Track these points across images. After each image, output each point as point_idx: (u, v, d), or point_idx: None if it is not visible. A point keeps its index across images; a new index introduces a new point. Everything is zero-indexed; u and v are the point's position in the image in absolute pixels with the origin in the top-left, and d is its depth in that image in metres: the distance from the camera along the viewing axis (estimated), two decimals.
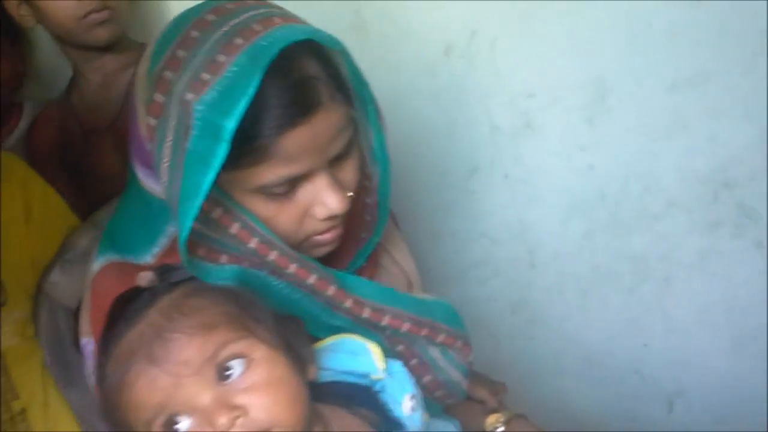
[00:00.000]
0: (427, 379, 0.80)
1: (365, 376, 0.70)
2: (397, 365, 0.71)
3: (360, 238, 0.81)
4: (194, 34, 0.67)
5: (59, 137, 1.12)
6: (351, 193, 0.73)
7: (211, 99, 0.63)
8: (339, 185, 0.71)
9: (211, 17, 0.67)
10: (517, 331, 1.41)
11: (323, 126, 0.67)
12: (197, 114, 0.63)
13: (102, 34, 1.05)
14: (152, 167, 0.70)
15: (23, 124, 1.14)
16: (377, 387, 0.70)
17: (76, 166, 1.12)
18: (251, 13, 0.68)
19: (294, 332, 0.68)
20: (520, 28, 1.17)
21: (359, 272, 0.81)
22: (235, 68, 0.63)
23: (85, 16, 1.02)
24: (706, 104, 1.21)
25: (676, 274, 1.34)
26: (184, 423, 0.60)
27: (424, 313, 0.80)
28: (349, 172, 0.73)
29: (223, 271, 0.69)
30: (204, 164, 0.63)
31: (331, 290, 0.73)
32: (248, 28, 0.66)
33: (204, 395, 0.59)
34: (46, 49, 1.19)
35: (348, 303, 0.74)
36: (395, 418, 0.68)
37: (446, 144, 1.26)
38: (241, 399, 0.60)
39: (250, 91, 0.62)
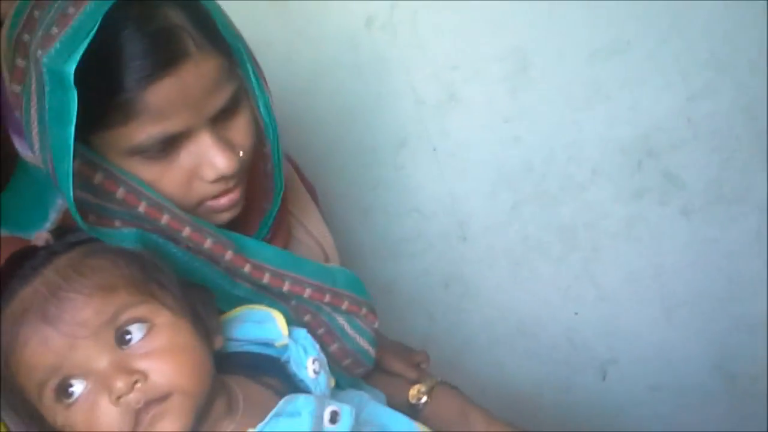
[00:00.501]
0: (334, 347, 0.79)
1: (270, 344, 0.69)
2: (302, 332, 0.70)
3: (263, 209, 0.79)
4: None
5: None
6: (242, 153, 0.70)
7: (55, 50, 0.60)
8: (226, 144, 0.68)
9: None
10: (450, 305, 1.41)
11: (193, 78, 0.64)
12: (45, 68, 0.61)
13: None
14: (24, 137, 0.67)
15: None
16: (283, 357, 0.69)
17: None
18: None
19: (202, 301, 0.66)
20: (440, 0, 1.17)
21: (271, 242, 0.79)
22: (81, 16, 0.60)
23: None
24: (626, 73, 1.22)
25: (604, 242, 1.35)
26: (78, 386, 0.58)
27: (326, 279, 0.78)
28: (237, 131, 0.70)
29: (121, 234, 0.67)
30: (62, 119, 0.60)
31: (228, 255, 0.71)
32: None
33: (101, 358, 0.58)
34: None
35: (246, 268, 0.72)
36: (301, 384, 0.68)
37: (372, 118, 1.25)
38: (140, 364, 0.58)
39: (90, 32, 0.59)
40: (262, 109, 0.73)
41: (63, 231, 0.64)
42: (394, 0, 1.16)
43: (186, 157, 0.67)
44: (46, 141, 0.64)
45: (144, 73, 0.62)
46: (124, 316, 0.59)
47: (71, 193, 0.63)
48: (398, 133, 1.26)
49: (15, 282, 0.59)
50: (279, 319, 0.69)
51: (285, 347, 0.69)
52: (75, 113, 0.60)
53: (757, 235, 1.33)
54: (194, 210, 0.71)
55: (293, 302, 0.77)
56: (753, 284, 1.34)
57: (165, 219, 0.68)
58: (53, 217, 0.70)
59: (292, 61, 1.17)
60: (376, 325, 0.82)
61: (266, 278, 0.74)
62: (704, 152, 1.28)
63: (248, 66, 0.71)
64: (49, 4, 0.63)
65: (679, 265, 1.36)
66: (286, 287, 0.75)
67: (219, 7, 0.68)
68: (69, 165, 0.62)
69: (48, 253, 0.61)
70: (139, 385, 0.58)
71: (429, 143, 1.27)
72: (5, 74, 0.67)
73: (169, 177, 0.68)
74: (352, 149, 1.28)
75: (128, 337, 0.59)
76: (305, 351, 0.69)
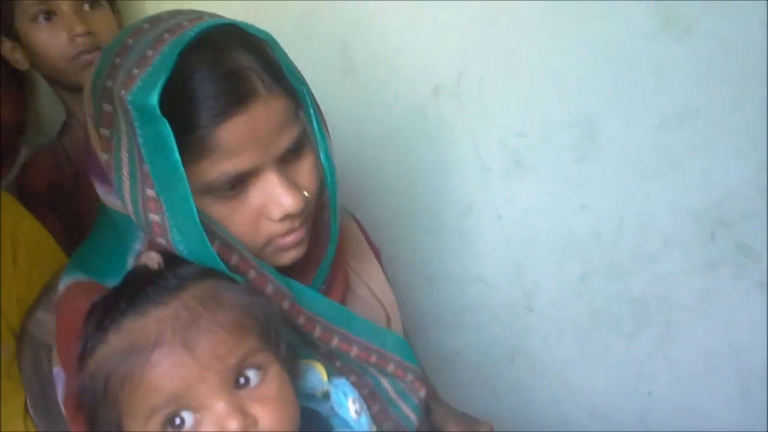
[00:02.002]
0: (375, 409, 0.78)
1: (312, 396, 0.69)
2: (341, 379, 0.71)
3: (319, 258, 0.80)
4: (129, 41, 0.69)
5: (51, 178, 1.13)
6: (307, 193, 0.72)
7: (137, 87, 0.63)
8: (292, 183, 0.70)
9: (146, 26, 0.70)
10: (516, 380, 1.38)
11: (262, 117, 0.67)
12: (130, 106, 0.63)
13: None
14: (111, 181, 0.69)
15: (17, 166, 1.17)
16: (325, 409, 0.70)
17: (68, 208, 1.13)
18: (183, 16, 0.70)
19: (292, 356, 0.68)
20: (506, 68, 1.18)
21: (327, 294, 0.80)
22: (159, 56, 0.64)
23: (77, 56, 1.05)
24: (697, 141, 1.20)
25: (677, 317, 1.31)
26: (188, 419, 0.59)
27: (375, 340, 0.78)
28: (302, 172, 0.72)
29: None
30: (162, 148, 0.63)
31: (285, 305, 0.72)
32: (177, 26, 0.67)
33: (220, 396, 0.59)
34: (45, 94, 1.23)
35: (300, 320, 0.73)
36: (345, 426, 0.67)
37: (438, 184, 1.26)
38: (253, 409, 0.60)
39: (168, 66, 0.62)
40: (322, 155, 0.75)
41: (172, 256, 0.65)
42: (461, 68, 1.18)
43: (254, 196, 0.69)
44: (142, 180, 0.66)
45: (216, 111, 0.65)
46: (250, 360, 0.61)
47: (195, 214, 0.64)
48: (463, 200, 1.26)
49: (146, 302, 0.60)
50: (319, 368, 0.70)
51: (327, 397, 0.69)
52: (173, 140, 0.63)
53: None
54: (262, 250, 0.72)
55: (338, 363, 0.77)
56: None
57: (234, 260, 0.69)
58: (131, 262, 0.72)
59: (362, 128, 1.20)
60: (422, 394, 0.81)
61: (317, 332, 0.74)
62: None
63: (311, 111, 0.74)
64: (129, 51, 0.67)
65: (755, 342, 1.31)
66: (334, 343, 0.75)
67: (285, 54, 0.72)
68: (185, 189, 0.64)
69: (180, 279, 0.62)
70: (251, 429, 0.59)
71: (494, 210, 1.26)
72: (90, 122, 0.70)
73: (238, 216, 0.70)
74: (417, 215, 1.28)
75: (243, 380, 0.61)
76: (345, 394, 0.69)
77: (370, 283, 0.89)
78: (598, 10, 1.16)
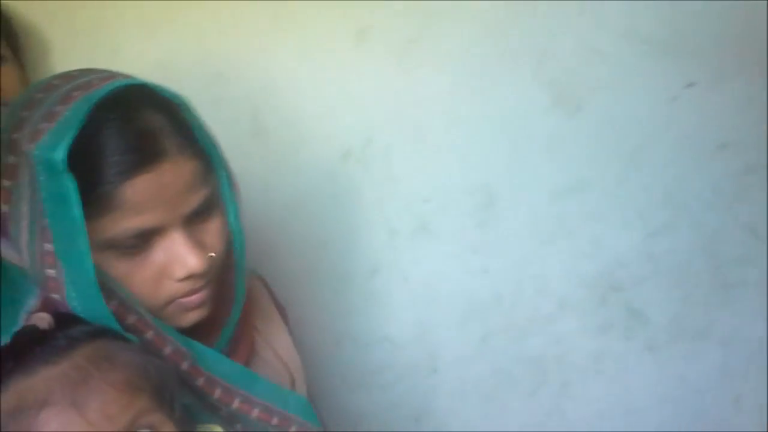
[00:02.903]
0: None
1: None
2: None
3: (224, 319, 0.80)
4: (39, 96, 0.69)
5: None
6: (213, 254, 0.72)
7: (44, 141, 0.64)
8: (197, 243, 0.70)
9: (57, 81, 0.70)
10: None
11: (170, 177, 0.67)
12: (35, 159, 0.64)
13: None
14: (8, 233, 0.69)
15: None
16: None
17: None
18: (95, 75, 0.70)
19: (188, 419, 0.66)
20: (412, 136, 1.23)
21: (231, 356, 0.79)
22: (68, 112, 0.65)
23: None
24: (588, 210, 1.28)
25: (573, 377, 1.36)
26: None
27: (278, 401, 0.78)
28: (209, 233, 0.72)
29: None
30: (64, 202, 0.63)
31: (184, 365, 0.71)
32: (88, 84, 0.68)
33: None
34: None
35: (200, 381, 0.72)
36: None
37: (346, 247, 1.28)
38: None
39: (78, 123, 0.63)
40: (231, 217, 0.76)
41: (63, 316, 0.64)
42: (369, 135, 1.23)
43: (158, 254, 0.69)
44: (38, 233, 0.65)
45: (123, 168, 0.65)
46: (142, 420, 0.59)
47: (92, 272, 0.64)
48: (371, 262, 1.29)
49: (34, 361, 0.59)
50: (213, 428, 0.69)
51: None
52: (77, 196, 0.63)
53: (721, 373, 1.36)
54: (163, 309, 0.72)
55: (239, 426, 0.76)
56: (720, 422, 1.36)
57: (131, 319, 0.69)
58: (23, 318, 0.69)
59: (271, 190, 1.23)
60: None
61: (217, 394, 0.74)
62: (666, 288, 1.32)
63: (223, 173, 0.75)
64: (37, 106, 0.68)
65: (647, 402, 1.38)
66: (235, 405, 0.75)
67: (197, 116, 0.73)
68: (84, 245, 0.63)
69: (70, 339, 0.61)
70: None
71: (401, 272, 1.30)
72: None
73: (140, 273, 0.69)
74: (325, 276, 1.31)
75: None
76: None
77: (276, 345, 0.89)
78: (497, 87, 1.24)
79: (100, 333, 0.63)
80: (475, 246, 1.29)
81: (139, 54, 1.10)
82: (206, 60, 1.14)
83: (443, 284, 1.31)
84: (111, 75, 0.71)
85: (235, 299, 0.79)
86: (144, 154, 0.66)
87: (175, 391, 0.64)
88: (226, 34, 1.16)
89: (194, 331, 0.75)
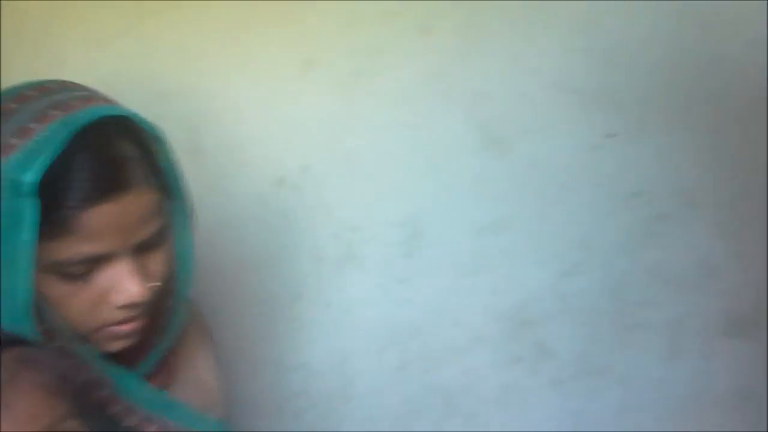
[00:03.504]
0: None
1: None
2: None
3: (152, 344, 0.80)
4: (12, 105, 0.68)
5: None
6: (156, 284, 0.72)
7: (15, 159, 0.63)
8: (142, 273, 0.70)
9: (32, 93, 0.69)
10: None
11: (132, 207, 0.68)
12: (2, 174, 0.63)
13: None
14: None
15: None
16: None
17: None
18: (74, 93, 0.70)
19: None
20: (346, 167, 1.25)
21: (148, 379, 0.79)
22: (44, 133, 0.64)
23: None
24: (507, 248, 1.32)
25: (480, 408, 1.40)
26: None
27: (196, 426, 0.79)
28: (156, 263, 0.73)
29: None
30: (18, 225, 0.62)
31: (104, 392, 0.71)
32: (66, 104, 0.68)
33: None
34: None
35: (117, 408, 0.72)
36: None
37: (272, 272, 1.28)
38: None
39: (54, 148, 0.63)
40: (183, 246, 0.78)
41: None
42: (305, 163, 1.24)
43: (101, 279, 0.69)
44: None
45: (88, 195, 0.66)
46: (63, 424, 0.60)
47: (28, 297, 0.63)
48: (296, 288, 1.29)
49: None
50: None
51: None
52: (34, 219, 0.62)
53: (617, 410, 1.42)
54: (93, 334, 0.71)
55: None
56: None
57: (56, 343, 0.68)
58: None
59: (202, 211, 1.20)
60: None
61: (134, 421, 0.74)
62: (573, 326, 1.38)
63: (181, 203, 0.77)
64: (9, 116, 0.66)
65: None
66: (150, 430, 0.75)
67: (169, 151, 0.75)
68: (28, 268, 0.63)
69: None
70: None
71: (324, 299, 1.30)
72: None
73: (79, 297, 0.69)
74: (248, 300, 1.30)
75: None
76: None
77: (199, 367, 0.90)
78: (431, 125, 1.28)
79: (25, 340, 0.63)
80: (399, 276, 1.32)
81: (87, 67, 1.07)
82: (151, 77, 1.12)
83: (365, 312, 1.33)
84: (90, 96, 0.70)
85: (170, 327, 0.80)
86: (110, 184, 0.67)
87: (95, 407, 0.67)
88: (173, 53, 1.15)
89: (120, 353, 0.75)
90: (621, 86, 1.29)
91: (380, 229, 1.30)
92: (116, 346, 0.73)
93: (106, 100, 0.72)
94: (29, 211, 0.63)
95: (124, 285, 0.69)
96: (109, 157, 0.67)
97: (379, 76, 1.23)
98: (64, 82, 0.74)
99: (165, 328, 0.81)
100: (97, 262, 0.68)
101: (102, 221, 0.66)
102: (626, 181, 1.32)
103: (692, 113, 1.33)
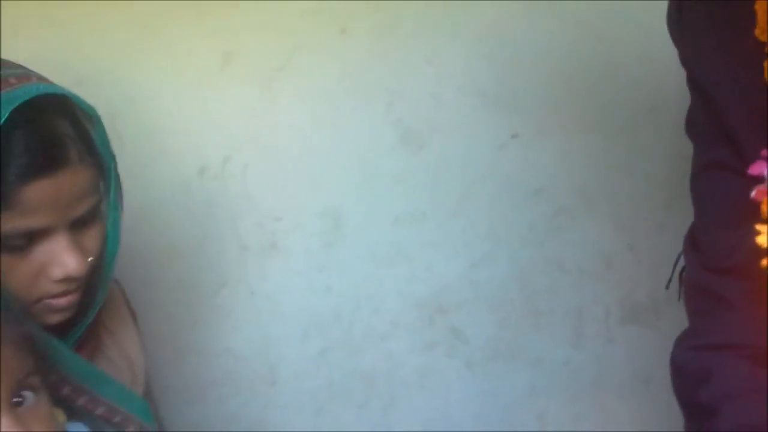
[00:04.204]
0: None
1: None
2: (78, 424, 0.65)
3: (77, 317, 0.73)
4: None
5: None
6: (91, 259, 0.68)
7: None
8: (78, 247, 0.66)
9: None
10: None
11: (69, 184, 0.64)
12: None
13: None
14: None
15: None
16: None
17: None
18: (11, 70, 0.66)
19: None
20: (270, 158, 1.16)
21: (77, 350, 0.72)
22: None
23: None
24: (423, 238, 1.25)
25: (401, 391, 1.31)
26: None
27: (122, 401, 0.73)
28: (91, 238, 0.69)
29: None
30: None
31: (46, 359, 0.64)
32: (4, 80, 0.63)
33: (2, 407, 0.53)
34: None
35: (53, 378, 0.65)
36: None
37: (196, 260, 1.17)
38: (34, 426, 0.55)
39: None
40: (110, 225, 0.73)
41: None
42: (227, 153, 1.13)
43: (39, 253, 0.65)
44: None
45: (26, 171, 0.61)
46: (29, 380, 0.56)
47: None
48: (220, 276, 1.19)
49: None
50: (58, 415, 0.63)
51: None
52: None
53: (529, 390, 1.34)
54: (32, 306, 0.66)
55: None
56: None
57: None
58: None
59: (125, 198, 1.08)
60: None
61: (65, 391, 0.68)
62: (484, 312, 1.30)
63: (113, 183, 0.72)
64: None
65: (464, 416, 1.33)
66: (80, 402, 0.69)
67: (103, 130, 0.71)
68: None
69: None
70: None
71: (248, 287, 1.20)
72: None
73: (18, 270, 0.64)
74: (172, 288, 1.18)
75: (19, 399, 0.55)
76: None
77: (124, 344, 0.82)
78: (352, 121, 1.19)
79: None
80: (321, 265, 1.21)
81: (4, 51, 0.91)
82: (69, 63, 1.00)
83: (288, 300, 1.23)
84: (25, 74, 0.67)
85: (94, 303, 0.74)
86: (48, 160, 0.63)
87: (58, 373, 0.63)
88: (91, 40, 1.04)
89: (48, 326, 0.69)
90: (523, 91, 1.24)
91: (302, 220, 1.20)
92: (53, 319, 0.69)
93: (40, 78, 0.68)
94: None
95: (63, 259, 0.65)
96: (46, 134, 0.63)
97: (300, 72, 1.14)
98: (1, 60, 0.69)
99: (89, 303, 0.74)
100: (35, 236, 0.64)
101: (40, 196, 0.62)
102: (529, 178, 1.27)
103: (587, 117, 1.28)
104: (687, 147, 1.26)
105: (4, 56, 0.94)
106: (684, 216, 1.28)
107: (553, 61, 1.24)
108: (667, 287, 1.26)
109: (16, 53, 0.96)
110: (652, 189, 1.30)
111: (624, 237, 1.32)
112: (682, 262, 1.22)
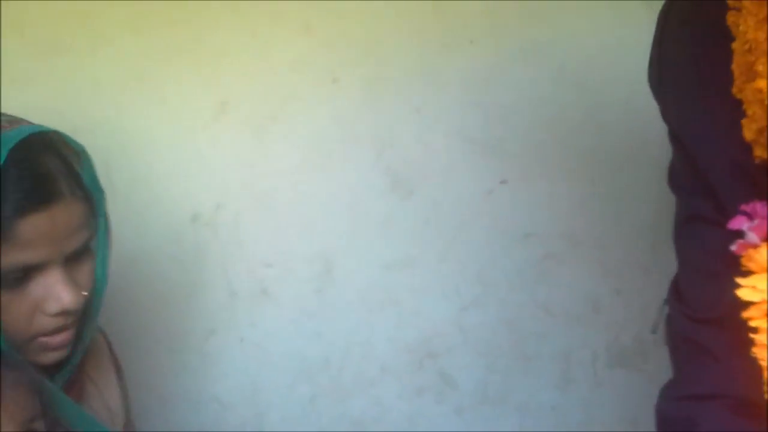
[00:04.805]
0: None
1: None
2: None
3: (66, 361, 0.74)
4: None
5: None
6: (85, 293, 0.69)
7: None
8: (73, 281, 0.67)
9: None
10: None
11: (63, 217, 0.66)
12: None
13: None
14: None
15: None
16: None
17: None
18: (2, 118, 0.69)
19: None
20: (261, 205, 1.16)
21: None
22: None
23: None
24: (413, 284, 1.25)
25: None
26: None
27: None
28: (85, 273, 0.70)
29: None
30: None
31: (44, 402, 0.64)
32: None
33: None
34: None
35: (48, 420, 0.65)
36: None
37: (186, 307, 1.17)
38: None
39: None
40: (99, 262, 0.74)
41: None
42: (219, 200, 1.14)
43: (35, 288, 0.67)
44: None
45: (21, 205, 0.64)
46: (35, 423, 0.57)
47: None
48: (209, 322, 1.18)
49: None
50: None
51: None
52: None
53: None
54: (28, 344, 0.67)
55: None
56: None
57: None
58: None
59: (116, 245, 1.07)
60: None
61: None
62: (473, 357, 1.31)
63: (102, 220, 0.74)
64: None
65: None
66: None
67: (92, 165, 0.72)
68: None
69: None
70: None
71: (238, 334, 1.19)
72: None
73: (15, 305, 0.65)
74: (161, 335, 1.17)
75: None
76: None
77: (106, 395, 0.83)
78: (342, 168, 1.20)
79: None
80: (311, 311, 1.22)
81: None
82: (64, 113, 1.00)
83: (277, 347, 1.23)
84: (15, 119, 0.70)
85: (81, 343, 0.75)
86: (41, 194, 0.66)
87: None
88: (86, 90, 1.06)
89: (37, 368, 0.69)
90: (510, 137, 1.26)
91: (293, 266, 1.20)
92: (48, 358, 0.70)
93: (30, 123, 0.71)
94: None
95: (58, 293, 0.67)
96: (38, 170, 0.66)
97: (292, 120, 1.15)
98: None
99: (76, 343, 0.74)
100: (31, 271, 0.66)
101: (36, 230, 0.64)
102: (518, 223, 1.28)
103: (573, 163, 1.31)
104: (671, 193, 1.31)
105: (3, 104, 0.96)
106: (670, 259, 1.29)
107: (538, 108, 1.27)
108: (654, 332, 1.29)
109: (14, 104, 0.98)
110: (638, 233, 1.32)
111: (611, 281, 1.34)
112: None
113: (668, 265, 1.15)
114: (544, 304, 1.30)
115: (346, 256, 1.22)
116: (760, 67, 0.53)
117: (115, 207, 1.08)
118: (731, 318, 0.58)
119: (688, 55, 0.65)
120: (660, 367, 1.33)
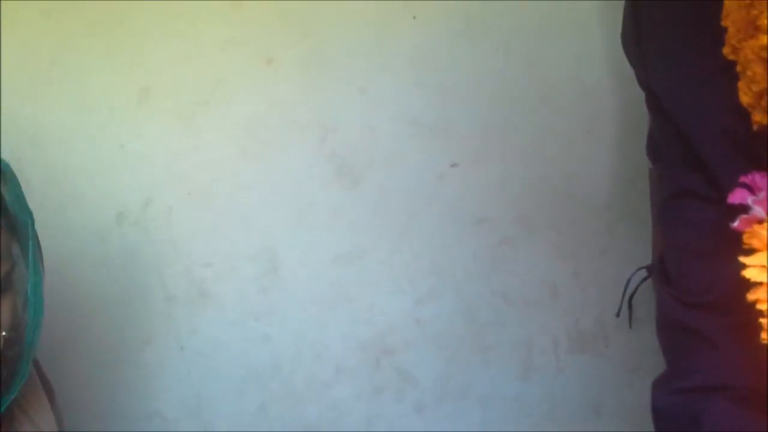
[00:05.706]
0: None
1: None
2: None
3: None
4: None
5: None
6: (4, 333, 0.62)
7: None
8: None
9: None
10: None
11: None
12: None
13: None
14: None
15: None
16: None
17: None
18: None
19: None
20: (195, 199, 1.08)
21: None
22: None
23: None
24: (364, 277, 1.19)
25: None
26: None
27: None
28: (4, 310, 0.62)
29: None
30: None
31: None
32: None
33: None
34: None
35: None
36: None
37: (117, 315, 1.08)
38: None
39: None
40: (31, 290, 0.66)
41: None
42: (148, 197, 1.05)
43: None
44: None
45: None
46: None
47: None
48: (144, 331, 1.10)
49: None
50: None
51: None
52: None
53: (481, 429, 1.28)
54: None
55: None
56: None
57: None
58: None
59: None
60: None
61: None
62: (432, 351, 1.25)
63: (30, 244, 0.65)
64: None
65: None
66: None
67: (17, 187, 0.65)
68: None
69: None
70: None
71: (177, 341, 1.10)
72: None
73: None
74: (91, 348, 1.08)
75: None
76: None
77: (38, 422, 0.75)
78: (284, 156, 1.13)
79: None
80: (257, 312, 1.14)
81: None
82: None
83: (222, 353, 1.14)
84: None
85: (18, 374, 0.67)
86: None
87: None
88: None
89: None
90: (459, 118, 1.20)
91: (234, 264, 1.13)
92: None
93: None
94: None
95: None
96: None
97: (224, 106, 1.07)
98: None
99: (9, 380, 0.66)
100: None
101: None
102: (471, 208, 1.23)
103: (525, 144, 1.25)
104: (626, 170, 1.27)
105: None
106: (626, 239, 1.28)
107: (487, 88, 1.22)
108: (618, 315, 1.25)
109: None
110: (593, 214, 1.29)
111: (568, 264, 1.29)
112: (630, 289, 1.22)
113: (624, 244, 1.12)
114: (502, 291, 1.25)
115: (291, 251, 1.14)
116: (764, 21, 0.47)
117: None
118: (730, 301, 0.53)
119: (671, 11, 0.59)
120: (622, 351, 1.30)
